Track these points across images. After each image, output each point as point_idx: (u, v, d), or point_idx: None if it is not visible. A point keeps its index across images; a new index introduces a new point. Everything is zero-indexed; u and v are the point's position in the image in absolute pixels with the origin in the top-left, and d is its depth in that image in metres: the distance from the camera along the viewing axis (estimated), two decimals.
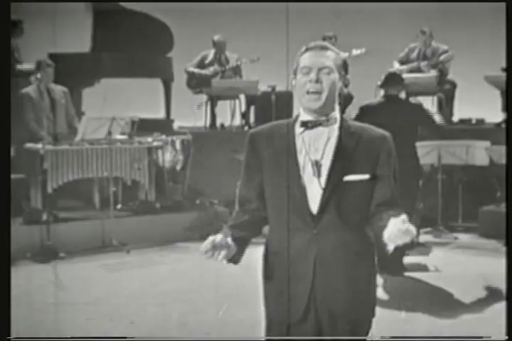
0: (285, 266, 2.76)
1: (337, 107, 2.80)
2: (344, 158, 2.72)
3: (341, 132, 2.75)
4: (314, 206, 2.72)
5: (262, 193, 2.82)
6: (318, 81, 2.70)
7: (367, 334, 2.83)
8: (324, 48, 2.76)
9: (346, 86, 2.75)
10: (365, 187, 2.74)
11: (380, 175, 2.74)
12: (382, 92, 7.27)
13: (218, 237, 2.66)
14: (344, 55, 9.50)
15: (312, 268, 2.72)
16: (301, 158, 2.74)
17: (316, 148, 2.74)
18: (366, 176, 2.73)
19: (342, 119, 2.78)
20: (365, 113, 6.40)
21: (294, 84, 2.78)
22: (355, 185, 2.72)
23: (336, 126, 2.76)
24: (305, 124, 2.76)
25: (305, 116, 2.77)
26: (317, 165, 2.71)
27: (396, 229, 2.48)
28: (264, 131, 2.84)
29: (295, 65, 2.79)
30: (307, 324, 2.76)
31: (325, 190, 2.71)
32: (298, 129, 2.78)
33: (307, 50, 2.78)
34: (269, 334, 2.85)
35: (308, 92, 2.72)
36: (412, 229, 2.48)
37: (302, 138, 2.76)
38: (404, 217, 2.52)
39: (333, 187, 2.70)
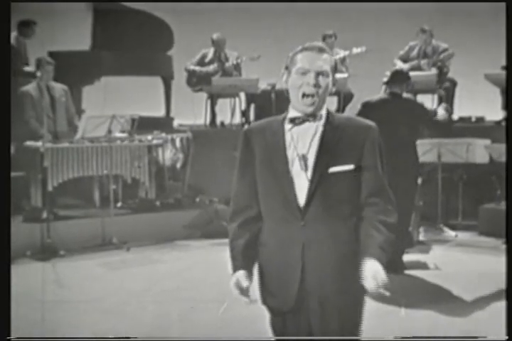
0: (272, 257, 2.83)
1: (325, 106, 2.86)
2: (329, 150, 2.79)
3: (326, 127, 2.82)
4: (302, 198, 2.78)
5: (255, 189, 2.87)
6: (316, 85, 2.77)
7: (357, 326, 2.86)
8: (321, 50, 2.80)
9: (334, 85, 2.81)
10: (352, 179, 2.80)
11: (365, 165, 2.81)
12: (383, 89, 7.26)
13: (242, 283, 2.79)
14: (345, 53, 9.50)
15: (300, 257, 2.78)
16: (289, 153, 2.81)
17: (303, 143, 2.81)
18: (351, 166, 2.79)
19: (328, 114, 2.85)
20: (367, 109, 6.40)
21: (285, 80, 2.85)
22: (342, 177, 2.78)
23: (322, 121, 2.83)
24: (293, 121, 2.84)
25: (293, 113, 2.85)
26: (304, 158, 2.79)
27: (369, 277, 2.66)
28: (257, 128, 2.92)
29: (288, 62, 2.84)
30: (300, 312, 2.82)
31: (311, 181, 2.77)
32: (287, 125, 2.85)
33: (304, 49, 2.81)
34: (272, 319, 2.93)
35: (304, 95, 2.79)
36: (377, 275, 2.65)
37: (291, 134, 2.83)
38: (370, 264, 2.68)
39: (319, 179, 2.77)
